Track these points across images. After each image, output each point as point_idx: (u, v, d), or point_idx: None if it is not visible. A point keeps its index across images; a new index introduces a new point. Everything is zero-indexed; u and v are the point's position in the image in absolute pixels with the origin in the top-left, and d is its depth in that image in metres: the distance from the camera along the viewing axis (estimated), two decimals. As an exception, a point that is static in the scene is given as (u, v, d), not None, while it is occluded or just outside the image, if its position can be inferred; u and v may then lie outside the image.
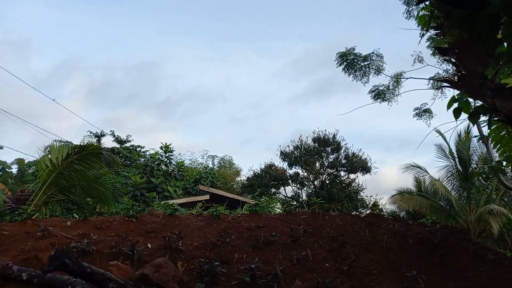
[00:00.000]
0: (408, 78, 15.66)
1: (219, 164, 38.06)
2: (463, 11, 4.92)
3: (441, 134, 15.90)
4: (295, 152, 22.62)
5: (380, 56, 16.04)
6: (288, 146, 23.10)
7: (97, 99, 54.80)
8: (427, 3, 6.42)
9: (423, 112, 16.47)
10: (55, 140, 31.03)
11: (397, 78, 15.73)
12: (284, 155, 22.85)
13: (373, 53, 16.10)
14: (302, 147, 22.66)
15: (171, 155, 25.05)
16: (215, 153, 41.20)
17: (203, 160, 38.73)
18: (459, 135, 16.79)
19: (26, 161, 31.43)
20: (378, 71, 16.15)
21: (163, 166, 23.74)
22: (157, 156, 24.24)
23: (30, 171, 30.43)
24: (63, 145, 14.91)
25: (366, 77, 16.32)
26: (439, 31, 5.92)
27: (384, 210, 18.63)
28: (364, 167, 21.73)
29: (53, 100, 25.17)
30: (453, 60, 5.46)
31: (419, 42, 14.39)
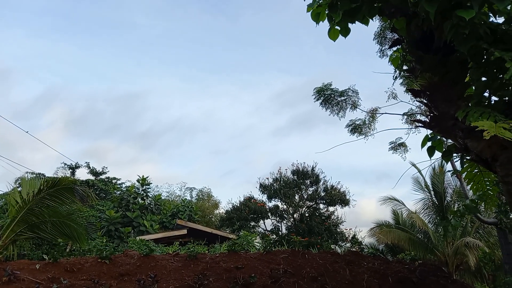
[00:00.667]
0: (383, 114, 16.20)
1: (197, 197, 37.48)
2: (434, 56, 5.17)
3: (416, 168, 16.28)
4: (275, 184, 22.59)
5: (356, 92, 16.57)
6: (268, 178, 23.09)
7: (76, 130, 53.98)
8: (399, 46, 6.72)
9: (398, 146, 16.93)
10: (27, 172, 30.06)
11: (373, 113, 16.22)
12: (263, 188, 22.76)
13: (349, 89, 16.62)
14: (282, 179, 22.68)
15: (148, 188, 24.51)
16: (194, 185, 40.67)
17: (181, 192, 38.11)
18: (434, 169, 17.25)
19: (-6, 194, 30.02)
20: (354, 106, 16.63)
21: (140, 200, 23.13)
22: (133, 189, 23.65)
23: (-1, 204, 29.14)
24: (35, 179, 14.40)
25: (343, 112, 16.76)
26: (411, 74, 6.18)
27: (363, 243, 18.63)
28: (342, 200, 21.85)
29: (27, 132, 24.39)
30: (426, 102, 5.66)
31: (393, 83, 15.03)
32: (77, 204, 11.97)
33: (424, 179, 17.61)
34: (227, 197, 76.38)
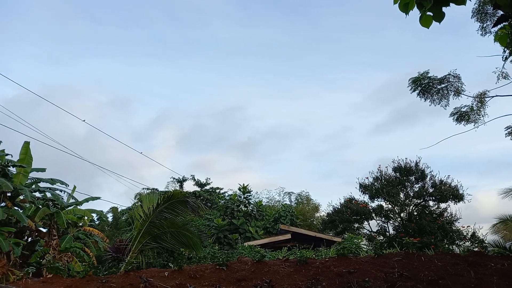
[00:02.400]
0: (493, 97, 14.52)
1: (296, 201, 37.77)
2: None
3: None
4: (375, 183, 21.68)
5: (458, 77, 15.19)
6: (367, 178, 22.27)
7: (186, 145, 59.78)
8: (506, 23, 6.06)
9: (517, 130, 14.96)
10: (143, 188, 33.72)
11: (481, 98, 14.64)
12: (364, 188, 22.00)
13: (449, 74, 15.30)
14: (383, 178, 21.68)
15: (249, 195, 25.58)
16: (292, 189, 41.05)
17: (280, 197, 38.80)
18: None
19: (119, 209, 34.20)
20: (458, 92, 15.23)
21: (243, 207, 24.27)
22: (236, 197, 24.92)
23: (123, 218, 33.09)
24: (152, 194, 16.10)
25: (445, 100, 15.44)
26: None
27: (485, 242, 16.83)
28: (455, 195, 20.02)
29: (141, 152, 27.46)
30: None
31: (504, 64, 13.40)
32: (189, 215, 13.07)
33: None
34: (327, 199, 75.47)
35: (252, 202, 25.51)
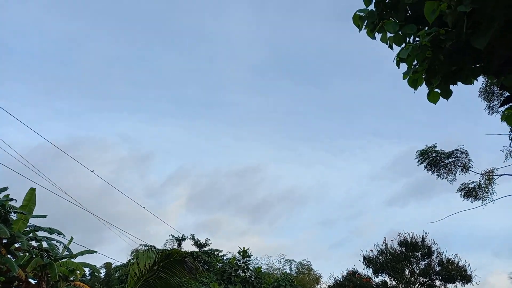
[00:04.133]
0: (501, 175, 14.46)
1: (296, 270, 36.25)
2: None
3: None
4: (380, 257, 20.92)
5: (465, 153, 15.30)
6: (372, 250, 21.54)
7: (196, 204, 59.86)
8: (512, 104, 6.23)
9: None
10: (141, 245, 32.78)
11: (489, 176, 14.58)
12: (368, 261, 21.20)
13: (457, 150, 15.44)
14: (388, 251, 20.95)
15: (249, 260, 24.67)
16: (295, 257, 39.55)
17: (280, 265, 37.33)
18: None
19: (113, 265, 33.02)
20: (465, 168, 15.24)
21: (241, 272, 23.30)
22: (234, 261, 24.03)
23: (116, 275, 31.78)
24: (149, 251, 15.63)
25: (452, 175, 15.42)
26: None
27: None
28: (462, 276, 19.14)
29: (144, 207, 27.11)
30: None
31: (510, 143, 13.58)
32: (185, 276, 12.54)
33: None
34: (330, 270, 72.10)
35: (251, 267, 24.56)
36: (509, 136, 12.57)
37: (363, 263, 21.31)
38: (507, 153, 14.17)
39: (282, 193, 59.80)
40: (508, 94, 5.87)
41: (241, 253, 24.32)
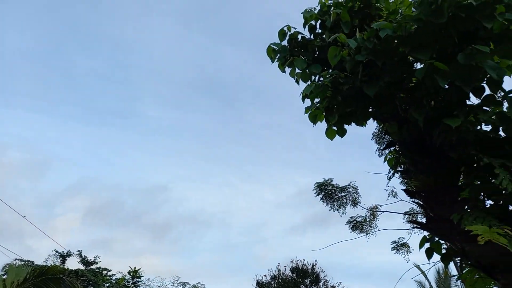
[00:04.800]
0: (383, 212, 16.10)
1: (190, 293, 35.24)
2: (427, 159, 5.34)
3: (420, 270, 15.60)
4: (272, 282, 21.40)
5: (356, 189, 16.70)
6: (265, 275, 21.95)
7: (94, 219, 53.93)
8: (393, 148, 7.00)
9: (401, 246, 16.49)
10: (15, 259, 28.86)
11: (373, 211, 16.13)
12: (260, 286, 21.50)
13: (349, 185, 16.80)
14: (280, 277, 21.56)
15: (139, 281, 23.34)
16: (190, 279, 38.36)
17: (173, 287, 35.94)
18: (438, 272, 16.52)
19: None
20: (355, 203, 16.63)
21: (129, 293, 21.87)
22: (123, 282, 22.52)
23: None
24: (22, 266, 13.80)
25: (343, 208, 16.71)
26: (406, 175, 6.33)
27: None
28: (345, 303, 20.50)
29: (24, 217, 23.98)
30: (421, 203, 5.70)
31: (387, 183, 15.37)
32: (62, 297, 11.33)
33: (429, 283, 16.75)
34: (222, 293, 71.38)
35: (141, 289, 23.24)
36: (387, 176, 14.20)
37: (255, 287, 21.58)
38: (389, 192, 15.90)
39: (187, 214, 58.28)
40: (390, 139, 6.60)
41: (132, 273, 22.92)
